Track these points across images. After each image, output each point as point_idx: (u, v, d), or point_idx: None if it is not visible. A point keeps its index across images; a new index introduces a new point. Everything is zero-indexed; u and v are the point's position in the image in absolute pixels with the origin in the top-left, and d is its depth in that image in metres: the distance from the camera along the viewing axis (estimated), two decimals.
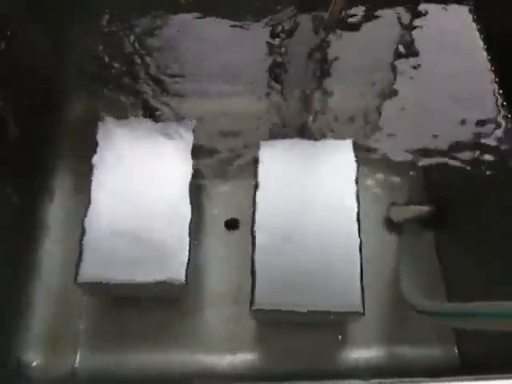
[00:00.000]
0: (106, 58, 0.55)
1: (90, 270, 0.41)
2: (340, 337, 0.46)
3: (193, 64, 0.54)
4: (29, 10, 0.52)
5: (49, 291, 0.47)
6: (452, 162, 0.50)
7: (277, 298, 0.41)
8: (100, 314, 0.46)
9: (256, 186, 0.45)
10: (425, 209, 0.50)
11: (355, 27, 0.55)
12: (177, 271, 0.41)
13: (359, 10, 0.55)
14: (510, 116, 0.48)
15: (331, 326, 0.46)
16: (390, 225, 0.49)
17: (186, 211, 0.43)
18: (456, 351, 0.45)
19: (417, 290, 0.42)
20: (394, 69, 0.54)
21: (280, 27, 0.55)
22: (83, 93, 0.54)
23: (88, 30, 0.56)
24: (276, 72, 0.54)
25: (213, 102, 0.53)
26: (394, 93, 0.53)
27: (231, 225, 0.50)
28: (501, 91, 0.48)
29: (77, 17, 0.56)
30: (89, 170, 0.44)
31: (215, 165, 0.51)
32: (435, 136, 0.51)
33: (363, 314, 0.41)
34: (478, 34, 0.52)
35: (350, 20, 0.55)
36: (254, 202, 0.44)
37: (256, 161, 0.46)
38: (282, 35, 0.55)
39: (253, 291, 0.41)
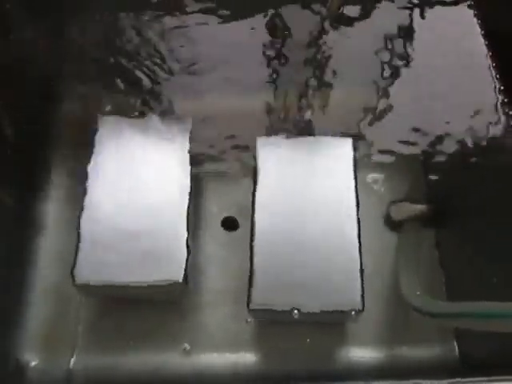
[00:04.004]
0: (106, 58, 0.55)
1: (88, 272, 0.41)
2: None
3: (191, 63, 0.54)
4: (29, 10, 0.52)
5: (46, 292, 0.46)
6: (453, 159, 0.49)
7: (275, 296, 0.41)
8: (98, 315, 0.46)
9: (254, 185, 0.45)
10: (425, 207, 0.49)
11: (353, 23, 0.54)
12: (175, 272, 0.41)
13: (357, 6, 0.54)
14: (510, 113, 0.48)
15: (331, 325, 0.46)
16: (390, 223, 0.49)
17: (183, 211, 0.43)
18: (456, 351, 0.45)
19: (416, 289, 0.42)
20: (392, 65, 0.54)
21: (278, 24, 0.55)
22: (82, 92, 0.54)
23: (88, 29, 0.56)
24: (274, 68, 0.54)
25: (211, 100, 0.53)
26: (394, 89, 0.53)
27: (230, 224, 0.49)
28: (501, 87, 0.48)
29: (76, 16, 0.56)
30: (86, 169, 0.44)
31: (213, 164, 0.51)
32: (436, 133, 0.51)
33: (362, 310, 0.40)
34: (478, 30, 0.51)
35: (348, 16, 0.54)
36: (253, 201, 0.44)
37: (254, 159, 0.46)
38: (281, 32, 0.55)
39: (251, 290, 0.41)
